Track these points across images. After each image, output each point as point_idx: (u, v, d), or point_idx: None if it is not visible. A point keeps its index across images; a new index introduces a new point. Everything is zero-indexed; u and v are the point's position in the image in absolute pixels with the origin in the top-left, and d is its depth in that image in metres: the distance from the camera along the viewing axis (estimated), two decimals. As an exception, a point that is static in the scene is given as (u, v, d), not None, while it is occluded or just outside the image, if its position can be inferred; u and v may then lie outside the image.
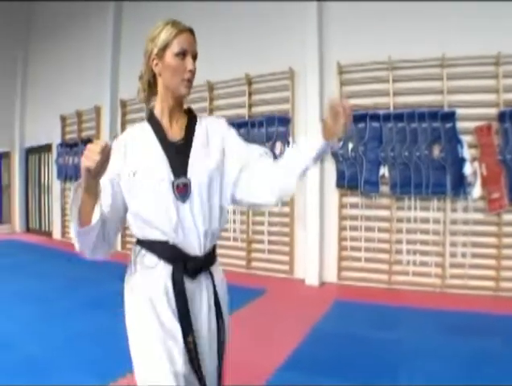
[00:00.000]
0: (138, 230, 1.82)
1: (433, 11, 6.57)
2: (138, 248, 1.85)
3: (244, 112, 7.86)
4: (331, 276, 7.16)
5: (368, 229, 6.96)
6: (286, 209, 7.53)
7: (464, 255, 6.42)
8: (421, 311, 5.59)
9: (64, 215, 11.42)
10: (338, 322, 5.20)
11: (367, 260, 6.96)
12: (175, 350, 1.72)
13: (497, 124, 6.21)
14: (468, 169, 6.25)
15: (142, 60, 1.90)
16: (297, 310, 5.71)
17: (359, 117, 6.76)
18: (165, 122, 1.87)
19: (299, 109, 7.39)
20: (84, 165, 1.47)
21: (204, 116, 2.06)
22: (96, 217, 1.57)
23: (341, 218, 7.14)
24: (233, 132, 2.00)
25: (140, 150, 1.81)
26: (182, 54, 1.79)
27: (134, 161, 1.78)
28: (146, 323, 1.75)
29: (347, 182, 6.95)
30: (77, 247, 1.66)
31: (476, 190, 6.28)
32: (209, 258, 1.90)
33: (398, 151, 6.57)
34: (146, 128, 1.86)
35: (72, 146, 10.83)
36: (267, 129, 7.46)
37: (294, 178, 1.84)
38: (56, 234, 11.77)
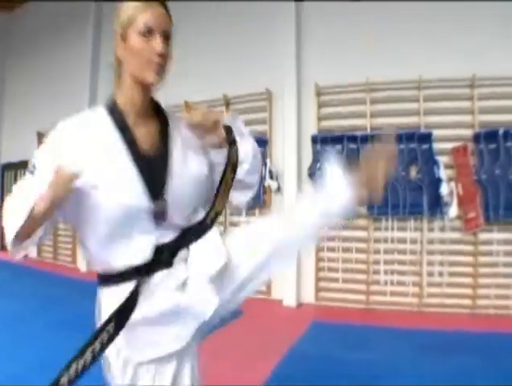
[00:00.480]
0: (101, 263, 1.54)
1: (409, 34, 6.69)
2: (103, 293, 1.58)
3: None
4: (308, 297, 7.14)
5: (345, 250, 6.96)
6: (264, 230, 7.45)
7: (441, 274, 6.47)
8: (399, 331, 5.60)
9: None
10: (316, 344, 5.16)
11: (345, 280, 6.96)
12: None
13: (473, 145, 6.32)
14: (444, 189, 6.31)
15: None
16: (275, 332, 5.67)
17: (337, 139, 6.82)
18: (131, 121, 1.51)
19: (277, 131, 7.40)
20: (54, 195, 1.25)
21: (172, 113, 1.71)
22: (39, 235, 1.38)
23: (318, 239, 7.07)
24: None
25: (100, 155, 1.44)
26: (147, 32, 1.44)
27: (93, 169, 1.39)
28: None
29: (324, 204, 6.92)
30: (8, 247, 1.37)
31: (453, 210, 6.34)
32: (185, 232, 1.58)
33: (375, 172, 6.57)
34: (106, 123, 1.48)
35: (49, 163, 10.66)
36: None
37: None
38: (32, 252, 11.53)
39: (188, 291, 1.51)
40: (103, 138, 1.46)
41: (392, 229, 6.69)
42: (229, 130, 1.63)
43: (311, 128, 7.11)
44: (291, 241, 1.69)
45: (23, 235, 1.34)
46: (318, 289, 7.11)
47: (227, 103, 7.82)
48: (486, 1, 6.32)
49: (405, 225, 6.64)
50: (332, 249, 7.04)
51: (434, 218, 6.50)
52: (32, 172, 1.44)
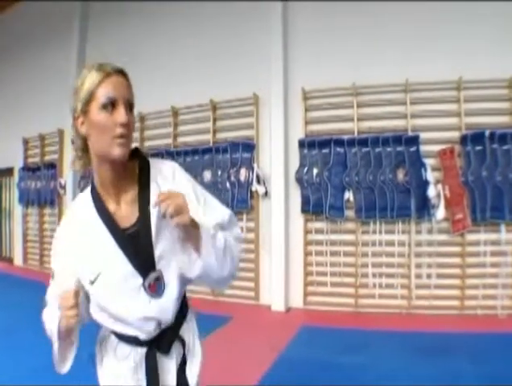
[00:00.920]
0: (105, 323, 1.59)
1: (395, 37, 6.74)
2: (107, 333, 1.66)
3: (208, 138, 7.81)
4: (297, 301, 7.13)
5: (333, 254, 6.96)
6: (251, 235, 7.48)
7: (429, 276, 6.50)
8: (388, 334, 5.62)
9: (25, 241, 11.14)
10: (305, 348, 5.17)
11: (333, 284, 6.96)
12: None
13: (460, 147, 6.36)
14: (431, 191, 6.35)
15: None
16: (264, 337, 5.66)
17: (324, 143, 6.84)
18: (110, 198, 1.53)
19: (264, 135, 7.39)
20: (66, 325, 1.40)
21: (155, 164, 1.63)
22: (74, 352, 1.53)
23: (307, 243, 7.13)
24: (191, 188, 1.62)
25: (92, 248, 1.51)
26: (110, 104, 1.40)
27: (90, 265, 1.50)
28: None
29: (312, 208, 6.96)
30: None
31: (440, 212, 6.37)
32: (179, 319, 1.67)
33: (362, 176, 6.63)
34: (91, 210, 1.52)
35: (35, 170, 10.62)
36: (232, 156, 7.43)
37: None
38: (18, 260, 11.43)
39: None
40: (91, 228, 1.51)
41: (380, 232, 6.71)
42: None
43: (298, 132, 7.12)
44: None
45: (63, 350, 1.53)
46: (306, 294, 7.10)
47: (214, 108, 7.80)
48: (471, 1, 6.41)
49: (393, 228, 6.66)
50: (320, 253, 7.04)
51: (421, 220, 6.53)
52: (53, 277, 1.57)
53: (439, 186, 6.40)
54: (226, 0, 7.88)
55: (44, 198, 10.33)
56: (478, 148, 6.25)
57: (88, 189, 1.57)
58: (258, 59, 7.50)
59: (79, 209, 1.58)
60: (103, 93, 1.38)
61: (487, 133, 6.19)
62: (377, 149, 6.59)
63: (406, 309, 6.54)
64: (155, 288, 1.51)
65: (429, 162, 6.44)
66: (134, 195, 1.54)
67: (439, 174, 6.46)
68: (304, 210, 7.05)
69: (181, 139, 8.21)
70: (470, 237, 6.42)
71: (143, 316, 1.50)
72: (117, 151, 1.40)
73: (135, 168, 1.58)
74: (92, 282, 1.46)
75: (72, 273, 1.51)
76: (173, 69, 8.23)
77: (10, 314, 6.61)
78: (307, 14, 7.30)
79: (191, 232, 1.42)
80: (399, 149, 6.50)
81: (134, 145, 1.57)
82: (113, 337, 1.62)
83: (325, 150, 6.85)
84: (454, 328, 5.73)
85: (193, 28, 8.18)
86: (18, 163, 11.26)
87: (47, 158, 10.57)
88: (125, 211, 1.52)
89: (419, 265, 6.58)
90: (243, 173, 7.31)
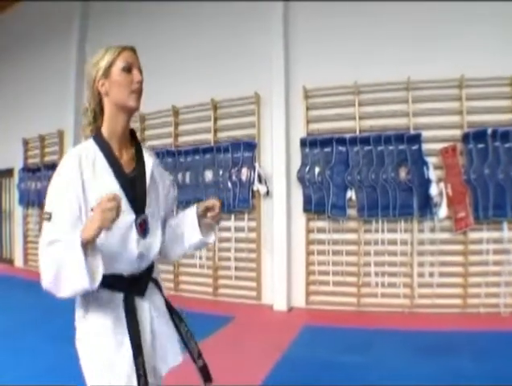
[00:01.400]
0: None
1: (397, 35, 6.74)
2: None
3: (209, 137, 7.80)
4: (299, 301, 7.12)
5: (336, 253, 6.95)
6: (253, 235, 7.48)
7: (431, 274, 6.50)
8: (391, 333, 5.61)
9: (26, 242, 11.11)
10: (308, 348, 5.15)
11: (335, 283, 6.95)
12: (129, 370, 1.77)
13: (462, 145, 6.36)
14: (434, 190, 6.34)
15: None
16: (266, 337, 5.64)
17: (325, 142, 6.83)
18: (114, 147, 1.86)
19: (265, 134, 7.38)
20: (103, 225, 1.51)
21: (143, 145, 2.07)
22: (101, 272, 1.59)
23: (309, 242, 7.12)
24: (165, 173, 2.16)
25: (96, 183, 1.75)
26: (128, 68, 1.84)
27: (93, 197, 1.70)
28: (103, 348, 1.79)
29: (314, 207, 6.95)
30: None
31: (443, 211, 6.37)
32: (151, 267, 2.01)
33: (364, 174, 6.62)
34: (97, 153, 1.80)
35: (35, 171, 10.56)
36: (233, 155, 7.40)
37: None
38: (18, 262, 11.40)
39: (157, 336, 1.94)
40: (97, 167, 1.78)
41: (382, 231, 6.69)
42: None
43: (299, 131, 7.11)
44: None
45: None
46: (309, 293, 7.09)
47: (215, 107, 7.79)
48: (473, 1, 6.40)
49: (395, 227, 6.65)
50: (322, 252, 7.03)
51: (424, 219, 6.52)
52: (48, 219, 1.70)
53: (442, 184, 6.39)
54: (226, 0, 7.87)
55: (45, 198, 10.20)
56: (480, 146, 6.25)
57: (89, 141, 1.85)
58: (258, 58, 7.49)
59: (83, 151, 1.80)
60: (122, 60, 1.83)
61: (489, 130, 6.18)
62: (379, 148, 6.58)
63: (409, 307, 6.54)
64: (143, 228, 1.84)
65: (431, 160, 6.44)
66: (131, 152, 1.93)
67: (441, 173, 6.46)
68: (306, 209, 7.04)
69: (182, 139, 8.18)
70: (472, 235, 6.41)
71: (134, 250, 1.80)
72: (133, 102, 1.83)
73: (132, 135, 2.00)
74: (92, 210, 1.59)
75: (78, 206, 1.71)
76: (174, 69, 8.21)
77: (11, 315, 6.58)
78: (308, 13, 7.28)
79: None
80: (401, 147, 6.49)
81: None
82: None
83: (327, 149, 6.83)
84: (457, 326, 5.73)
85: (194, 28, 8.17)
86: (17, 164, 11.22)
87: (48, 158, 10.53)
88: (125, 161, 1.87)
89: (421, 264, 6.56)
90: (245, 172, 7.29)
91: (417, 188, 6.41)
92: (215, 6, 7.97)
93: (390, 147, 6.53)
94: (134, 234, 1.81)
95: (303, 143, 7.02)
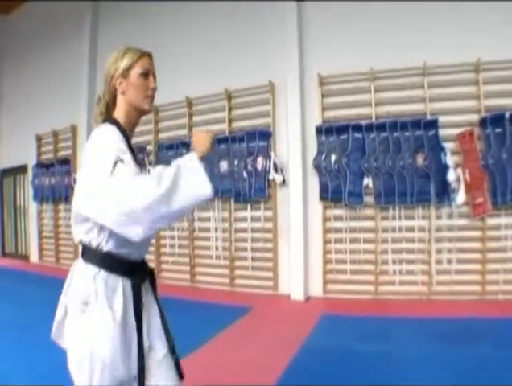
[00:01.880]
0: (105, 241, 1.82)
1: (413, 20, 6.68)
2: (96, 268, 1.82)
3: (224, 127, 7.77)
4: (316, 290, 7.09)
5: (353, 241, 6.92)
6: (269, 224, 7.46)
7: (449, 261, 6.45)
8: (410, 320, 5.57)
9: (41, 237, 11.18)
10: (328, 337, 5.11)
11: (353, 272, 6.92)
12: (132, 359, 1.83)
13: (479, 130, 6.30)
14: (451, 175, 6.29)
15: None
16: (285, 327, 5.59)
17: (341, 129, 6.80)
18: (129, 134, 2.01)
19: (280, 123, 7.34)
20: (208, 147, 1.94)
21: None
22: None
23: (325, 231, 7.09)
24: None
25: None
26: (145, 74, 1.99)
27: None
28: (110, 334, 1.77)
29: (331, 195, 6.92)
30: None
31: (460, 197, 6.32)
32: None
33: (381, 161, 6.59)
34: (120, 136, 1.88)
35: (49, 167, 10.63)
36: (248, 144, 7.38)
37: None
38: (34, 258, 11.48)
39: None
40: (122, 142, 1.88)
41: (400, 218, 6.65)
42: None
43: (315, 118, 7.07)
44: None
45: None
46: (326, 282, 7.06)
47: (229, 97, 7.77)
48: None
49: (412, 213, 6.61)
50: (339, 241, 7.00)
51: (441, 205, 6.48)
52: (122, 161, 1.71)
53: (459, 170, 6.33)
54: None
55: (59, 194, 10.33)
56: (498, 130, 6.17)
57: (109, 126, 1.89)
58: (272, 47, 7.47)
59: (112, 127, 1.89)
60: (141, 66, 1.98)
61: (507, 115, 6.10)
62: (396, 134, 6.53)
63: (427, 295, 6.50)
64: None
65: (448, 145, 6.38)
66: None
67: (458, 158, 6.40)
68: (323, 197, 7.00)
69: (196, 129, 8.01)
70: (491, 221, 6.36)
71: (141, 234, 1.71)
72: (147, 106, 2.02)
73: None
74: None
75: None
76: (187, 59, 8.22)
77: (27, 310, 6.56)
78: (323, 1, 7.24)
79: None
80: (418, 133, 6.45)
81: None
82: (102, 273, 1.80)
83: (343, 136, 6.80)
84: (475, 313, 5.68)
85: (207, 17, 8.17)
86: (31, 160, 11.30)
87: (61, 153, 10.58)
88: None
89: (439, 251, 6.52)
90: (260, 161, 7.26)
91: (434, 174, 6.36)
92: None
93: (407, 133, 6.49)
94: None
95: (318, 131, 6.99)
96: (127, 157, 1.73)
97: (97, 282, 1.79)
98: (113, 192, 1.63)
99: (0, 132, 12.85)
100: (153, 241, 8.52)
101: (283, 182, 7.19)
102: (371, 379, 3.79)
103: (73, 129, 10.11)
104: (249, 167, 7.32)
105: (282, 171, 7.18)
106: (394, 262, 6.69)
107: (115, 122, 1.92)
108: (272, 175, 7.17)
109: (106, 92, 2.01)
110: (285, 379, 3.86)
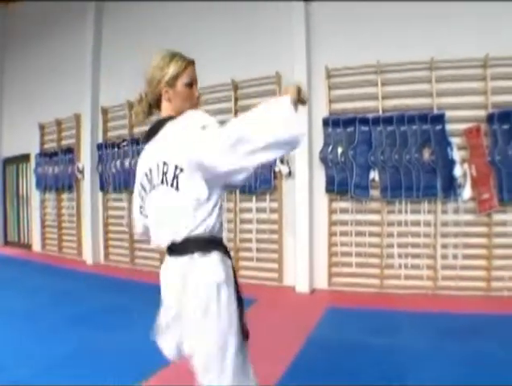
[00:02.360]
0: (218, 227, 2.01)
1: (421, 14, 6.62)
2: (221, 254, 2.02)
3: (230, 117, 7.63)
4: (321, 282, 7.10)
5: (358, 234, 6.93)
6: (275, 216, 7.46)
7: (455, 256, 6.46)
8: (415, 314, 5.58)
9: (43, 226, 11.19)
10: (334, 330, 5.12)
11: (358, 265, 6.93)
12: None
13: (486, 125, 6.28)
14: (458, 171, 6.29)
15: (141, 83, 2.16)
16: (290, 319, 5.59)
17: (348, 121, 6.79)
18: None
19: (287, 114, 7.26)
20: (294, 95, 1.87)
21: None
22: None
23: (331, 223, 7.09)
24: None
25: None
26: (191, 84, 2.10)
27: None
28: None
29: (337, 187, 6.91)
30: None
31: (467, 192, 6.32)
32: None
33: (388, 155, 6.57)
34: None
35: (52, 156, 10.60)
36: None
37: None
38: (36, 246, 11.49)
39: None
40: None
41: (406, 212, 6.65)
42: None
43: (322, 110, 7.04)
44: None
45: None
46: (331, 275, 7.07)
47: (236, 87, 7.74)
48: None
49: (418, 208, 6.61)
50: (344, 233, 7.01)
51: (448, 200, 6.47)
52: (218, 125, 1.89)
53: (466, 165, 6.33)
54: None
55: (62, 183, 10.32)
56: (505, 127, 6.16)
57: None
58: (280, 38, 7.41)
59: None
60: (187, 75, 2.08)
61: (515, 111, 6.11)
62: (403, 128, 6.52)
63: (432, 290, 6.51)
64: None
65: (455, 140, 6.37)
66: None
67: (465, 153, 6.39)
68: (329, 189, 6.99)
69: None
70: (497, 217, 6.35)
71: None
72: None
73: None
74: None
75: None
76: (193, 49, 8.04)
77: (30, 299, 6.60)
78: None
79: None
80: (425, 127, 6.43)
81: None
82: (222, 255, 2.02)
83: (350, 129, 6.78)
84: (480, 309, 5.70)
85: (213, 7, 8.10)
86: (33, 149, 11.27)
87: (64, 142, 10.54)
88: None
89: (444, 246, 6.53)
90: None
91: (441, 169, 6.36)
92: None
93: (414, 127, 6.47)
94: None
95: (325, 123, 6.97)
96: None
97: (227, 265, 2.03)
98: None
99: (3, 121, 12.80)
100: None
101: (289, 173, 7.18)
102: (376, 372, 3.81)
103: (77, 118, 10.07)
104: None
105: (288, 163, 7.16)
106: (399, 256, 6.71)
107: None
108: (278, 167, 7.16)
109: (149, 94, 2.12)
110: (292, 371, 3.87)
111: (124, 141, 8.99)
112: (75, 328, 5.08)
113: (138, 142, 8.64)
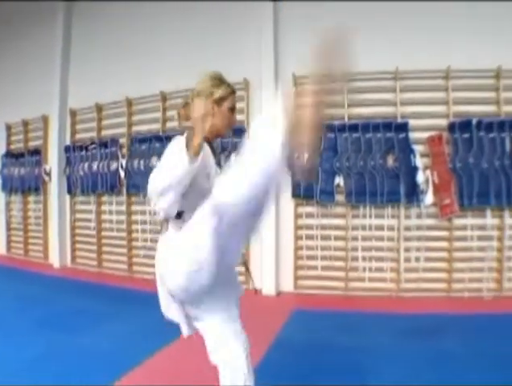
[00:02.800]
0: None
1: (385, 26, 6.85)
2: None
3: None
4: (287, 285, 7.23)
5: (324, 238, 7.07)
6: (242, 220, 7.47)
7: (417, 259, 6.68)
8: (379, 316, 5.77)
9: (9, 229, 11.01)
10: (300, 331, 5.24)
11: (323, 268, 7.07)
12: None
13: (448, 134, 6.51)
14: (420, 177, 6.50)
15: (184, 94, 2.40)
16: (257, 321, 5.53)
17: (315, 128, 6.86)
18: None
19: (255, 120, 7.31)
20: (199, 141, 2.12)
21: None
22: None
23: (297, 227, 7.22)
24: None
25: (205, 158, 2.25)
26: (232, 109, 2.47)
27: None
28: None
29: (303, 193, 7.04)
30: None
31: (429, 197, 6.54)
32: None
33: (353, 161, 6.74)
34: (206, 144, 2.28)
35: (18, 157, 10.43)
36: (222, 140, 7.33)
37: None
38: (1, 249, 11.24)
39: None
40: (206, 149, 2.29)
41: (370, 217, 6.84)
42: None
43: (289, 117, 7.10)
44: None
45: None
46: (297, 278, 7.21)
47: (204, 93, 7.72)
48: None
49: (382, 212, 6.80)
50: (310, 237, 7.15)
51: (410, 205, 6.68)
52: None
53: (428, 172, 6.55)
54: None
55: (28, 185, 10.15)
56: (465, 136, 6.42)
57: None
58: (248, 44, 7.50)
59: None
60: (231, 101, 2.47)
61: (474, 121, 6.35)
62: (368, 135, 6.69)
63: (396, 292, 6.71)
64: None
65: (418, 148, 6.58)
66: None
67: (427, 161, 6.61)
68: (295, 195, 7.11)
69: (170, 124, 8.14)
70: (457, 222, 6.60)
71: None
72: (226, 133, 2.59)
73: None
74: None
75: None
76: (161, 54, 8.17)
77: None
78: (299, 1, 7.33)
79: None
80: (389, 135, 6.62)
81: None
82: None
83: (316, 135, 6.88)
84: (442, 310, 5.92)
85: (182, 12, 8.14)
86: (0, 150, 11.07)
87: (31, 143, 10.39)
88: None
89: (407, 249, 6.73)
90: (234, 158, 7.29)
91: (404, 175, 6.56)
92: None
93: (378, 135, 6.66)
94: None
95: (292, 130, 7.03)
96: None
97: None
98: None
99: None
100: (124, 235, 8.57)
101: (256, 178, 7.23)
102: (342, 370, 3.95)
103: (45, 120, 9.93)
104: (223, 163, 7.31)
105: (255, 168, 7.21)
106: (363, 259, 6.88)
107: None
108: (245, 172, 7.20)
109: (195, 104, 2.42)
110: (259, 371, 3.91)
111: (92, 143, 8.92)
112: (42, 331, 5.07)
113: (107, 145, 8.64)
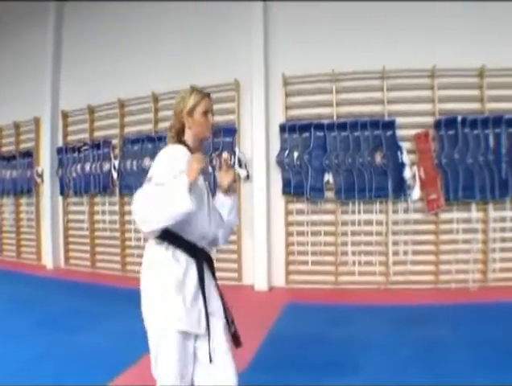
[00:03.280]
0: (178, 230, 2.26)
1: (373, 26, 7.03)
2: (166, 244, 2.30)
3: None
4: (279, 280, 7.35)
5: (314, 233, 7.21)
6: (234, 217, 7.56)
7: (405, 253, 6.87)
8: (369, 308, 5.93)
9: (1, 231, 10.96)
10: (293, 325, 5.35)
11: (314, 263, 7.22)
12: (200, 314, 2.33)
13: (434, 131, 6.72)
14: (407, 173, 6.70)
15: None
16: (250, 316, 5.67)
17: (304, 127, 7.08)
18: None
19: (245, 120, 7.54)
20: (200, 167, 2.08)
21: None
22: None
23: (288, 224, 7.35)
24: None
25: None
26: (206, 112, 2.42)
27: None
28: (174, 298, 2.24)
29: (293, 190, 7.18)
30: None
31: (416, 193, 6.74)
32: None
33: (341, 158, 6.90)
34: (187, 152, 2.33)
35: (10, 159, 10.42)
36: (213, 140, 7.47)
37: None
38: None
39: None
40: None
41: (359, 212, 7.01)
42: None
43: (279, 117, 7.31)
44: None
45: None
46: (288, 273, 7.34)
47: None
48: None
49: (371, 208, 6.98)
50: (301, 233, 7.29)
51: (398, 200, 6.89)
52: (162, 184, 2.12)
53: (415, 168, 6.75)
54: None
55: (21, 187, 10.13)
56: (451, 132, 6.63)
57: (178, 146, 2.39)
58: (239, 45, 7.60)
59: (179, 149, 2.38)
60: (203, 106, 2.41)
61: (459, 118, 6.55)
62: (356, 133, 6.87)
63: (384, 284, 6.88)
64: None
65: (405, 145, 6.78)
66: None
67: (414, 157, 6.81)
68: (285, 192, 7.25)
69: (160, 125, 8.21)
70: (444, 216, 6.82)
71: (205, 227, 2.38)
72: (208, 134, 2.49)
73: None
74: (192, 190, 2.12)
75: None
76: (153, 54, 8.22)
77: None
78: (288, 1, 7.44)
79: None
80: (377, 133, 6.81)
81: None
82: (171, 249, 2.29)
83: (305, 134, 7.07)
84: (430, 301, 6.09)
85: (173, 13, 8.21)
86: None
87: (23, 146, 10.35)
88: None
89: (395, 243, 6.92)
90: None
91: (391, 171, 6.75)
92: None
93: (366, 133, 6.84)
94: (208, 214, 2.41)
95: (282, 128, 7.23)
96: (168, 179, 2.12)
97: (167, 257, 2.29)
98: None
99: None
100: (117, 235, 8.66)
101: (247, 176, 7.42)
102: (335, 362, 4.06)
103: (36, 122, 9.93)
104: (215, 162, 7.46)
105: (246, 166, 7.40)
106: (353, 254, 7.06)
107: (185, 144, 2.40)
108: (237, 170, 7.29)
109: (175, 122, 2.45)
110: (254, 364, 4.02)
111: (85, 145, 8.97)
112: (41, 332, 5.10)
113: (99, 147, 8.71)
